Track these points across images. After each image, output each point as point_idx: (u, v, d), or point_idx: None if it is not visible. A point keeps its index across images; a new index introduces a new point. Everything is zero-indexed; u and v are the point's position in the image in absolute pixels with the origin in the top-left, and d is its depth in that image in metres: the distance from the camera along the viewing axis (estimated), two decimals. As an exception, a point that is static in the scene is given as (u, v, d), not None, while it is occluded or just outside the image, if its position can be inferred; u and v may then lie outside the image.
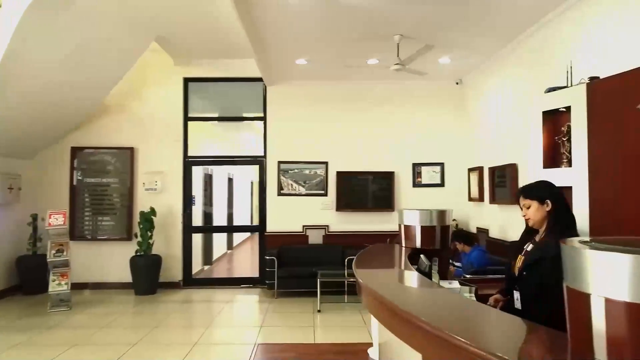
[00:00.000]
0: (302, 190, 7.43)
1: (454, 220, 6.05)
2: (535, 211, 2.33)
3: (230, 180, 11.78)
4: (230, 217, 11.63)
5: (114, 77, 6.65)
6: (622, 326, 1.15)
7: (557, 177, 3.87)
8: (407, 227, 3.81)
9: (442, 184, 7.50)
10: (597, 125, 3.49)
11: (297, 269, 6.66)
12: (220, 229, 10.79)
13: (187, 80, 7.49)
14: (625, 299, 1.11)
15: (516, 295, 2.35)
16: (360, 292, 2.57)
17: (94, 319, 5.44)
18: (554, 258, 2.07)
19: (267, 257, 6.73)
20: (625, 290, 1.12)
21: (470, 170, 7.05)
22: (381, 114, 7.49)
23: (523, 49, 5.35)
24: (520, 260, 2.42)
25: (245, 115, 7.83)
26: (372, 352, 4.01)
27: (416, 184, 7.49)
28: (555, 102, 3.94)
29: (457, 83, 7.48)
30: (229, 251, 11.78)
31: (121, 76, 6.74)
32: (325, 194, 7.43)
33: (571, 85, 3.95)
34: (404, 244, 3.82)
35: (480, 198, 6.66)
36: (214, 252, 9.91)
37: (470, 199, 7.07)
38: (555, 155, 4.02)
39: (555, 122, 4.01)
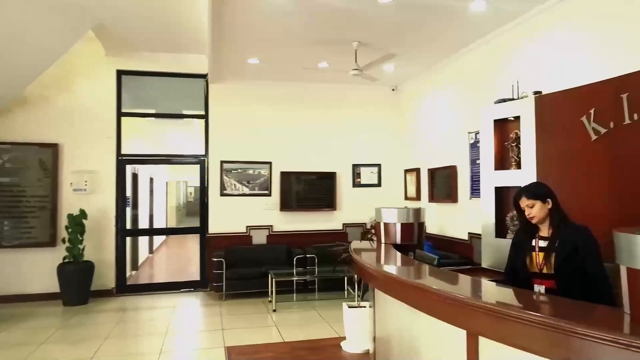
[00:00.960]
0: (246, 190, 7.36)
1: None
2: (539, 209, 2.64)
3: (151, 180, 11.15)
4: (151, 218, 11.01)
5: (38, 67, 5.98)
6: None
7: (507, 177, 4.43)
8: (386, 225, 4.03)
9: (379, 184, 7.95)
10: (545, 133, 4.05)
11: (247, 269, 6.60)
12: (158, 232, 10.17)
13: (120, 73, 6.98)
14: None
15: (538, 288, 2.58)
16: (388, 283, 2.71)
17: (28, 335, 4.86)
18: (590, 245, 2.43)
19: (215, 259, 6.56)
20: None
21: (406, 171, 7.58)
22: (324, 115, 7.72)
23: (466, 61, 5.92)
24: (541, 255, 2.61)
25: (185, 112, 7.52)
26: (346, 345, 4.21)
27: (356, 184, 7.84)
28: (505, 112, 4.47)
29: (393, 90, 7.98)
30: (150, 255, 11.13)
31: (47, 66, 6.09)
32: (269, 194, 7.44)
33: (518, 98, 4.51)
34: (384, 241, 4.04)
35: (418, 197, 7.21)
36: (139, 256, 9.33)
37: (406, 198, 7.60)
38: (504, 158, 4.55)
39: (503, 129, 4.55)
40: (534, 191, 2.69)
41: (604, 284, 2.35)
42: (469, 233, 5.84)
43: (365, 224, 7.78)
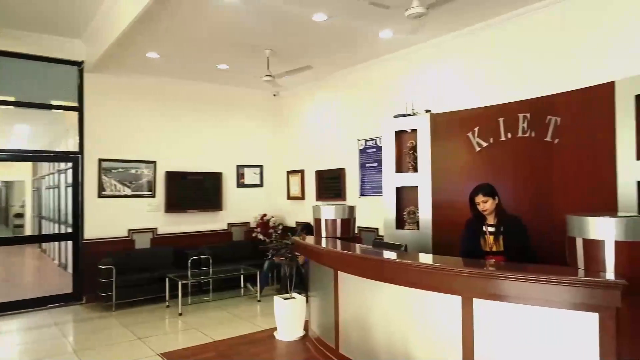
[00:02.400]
0: (128, 191, 6.83)
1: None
2: (491, 204, 3.49)
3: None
4: None
5: None
6: (621, 254, 2.38)
7: (405, 179, 5.35)
8: (327, 220, 4.48)
9: (261, 185, 8.27)
10: (438, 144, 5.08)
11: (140, 275, 6.19)
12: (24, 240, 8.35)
13: (-34, 49, 5.75)
14: (598, 238, 2.35)
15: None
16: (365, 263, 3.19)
17: None
18: (522, 229, 3.32)
19: (103, 267, 5.96)
20: (592, 231, 2.36)
21: (290, 172, 8.10)
22: (211, 116, 7.68)
23: (358, 77, 6.73)
24: (492, 237, 3.47)
25: (53, 103, 6.50)
26: (279, 334, 4.56)
27: (240, 185, 8.01)
28: (404, 125, 5.39)
29: (274, 95, 8.41)
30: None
31: None
32: (153, 195, 7.06)
33: (413, 114, 5.49)
34: (324, 235, 4.48)
35: (302, 197, 7.81)
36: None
37: (289, 198, 8.11)
38: (402, 163, 5.46)
39: (401, 139, 5.46)
40: (488, 190, 3.53)
41: (535, 253, 3.31)
42: (358, 227, 6.66)
43: (249, 223, 8.03)
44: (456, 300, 2.83)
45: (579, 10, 4.27)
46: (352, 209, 4.63)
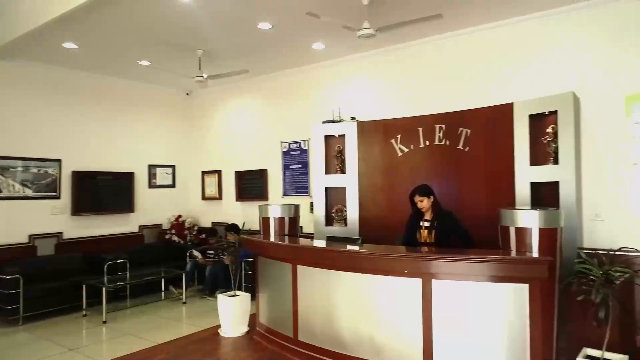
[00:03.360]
0: (29, 192, 6.16)
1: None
2: (427, 203, 4.06)
3: None
4: None
5: None
6: (543, 238, 3.14)
7: (335, 180, 5.83)
8: (275, 219, 4.72)
9: (173, 185, 8.06)
10: (365, 149, 5.67)
11: (52, 284, 5.66)
12: None
13: None
14: (523, 225, 3.11)
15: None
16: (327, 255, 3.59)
17: None
18: (453, 221, 3.96)
19: (8, 277, 5.32)
20: (523, 222, 3.11)
21: (205, 172, 8.04)
22: (123, 113, 7.28)
23: (284, 83, 7.02)
24: (426, 231, 4.03)
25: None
26: (224, 331, 4.73)
27: (152, 185, 7.71)
28: (333, 130, 5.87)
29: (187, 94, 8.26)
30: None
31: None
32: (58, 197, 6.47)
33: (339, 121, 6.00)
34: (272, 233, 4.71)
35: (219, 197, 7.83)
36: None
37: (204, 198, 8.05)
38: (330, 165, 5.93)
39: (330, 143, 5.92)
40: (424, 191, 4.11)
41: (471, 239, 3.98)
42: (281, 226, 6.97)
43: (161, 224, 7.78)
44: (417, 282, 3.37)
45: (487, 43, 5.17)
46: (297, 207, 4.94)
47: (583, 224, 4.48)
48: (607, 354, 2.93)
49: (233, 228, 6.65)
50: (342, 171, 5.82)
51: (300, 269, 4.06)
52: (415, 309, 3.37)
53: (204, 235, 7.75)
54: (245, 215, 7.40)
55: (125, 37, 5.37)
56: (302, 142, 6.76)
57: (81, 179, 6.67)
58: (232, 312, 4.80)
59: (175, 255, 7.26)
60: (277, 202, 6.99)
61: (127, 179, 7.27)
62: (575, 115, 4.33)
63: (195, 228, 7.82)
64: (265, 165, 7.19)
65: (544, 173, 4.41)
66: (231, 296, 4.86)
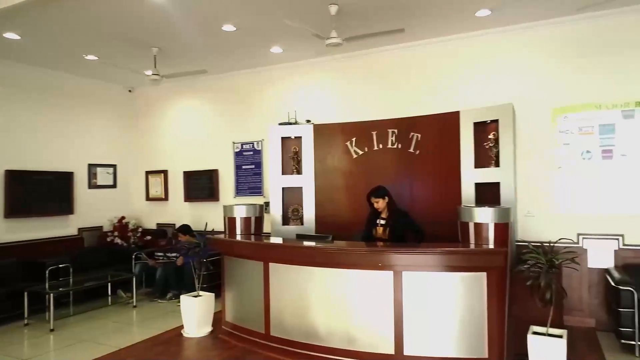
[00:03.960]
0: (-44, 193, 5.63)
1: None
2: (382, 203, 4.41)
3: None
4: None
5: None
6: (497, 232, 3.59)
7: (291, 180, 6.02)
8: (242, 219, 4.80)
9: (114, 185, 7.72)
10: (321, 150, 5.92)
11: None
12: None
13: None
14: (480, 221, 3.57)
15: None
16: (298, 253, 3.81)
17: None
18: (407, 219, 4.32)
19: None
20: (480, 218, 3.57)
21: (150, 172, 7.80)
22: (61, 110, 6.86)
23: (233, 83, 7.04)
24: (381, 229, 4.38)
25: None
26: (187, 332, 4.77)
27: (92, 185, 7.34)
28: (290, 132, 6.05)
29: (129, 91, 7.96)
30: None
31: None
32: (-10, 198, 5.97)
33: (295, 123, 6.19)
34: (238, 232, 4.79)
35: (165, 197, 7.65)
36: None
37: (149, 199, 7.81)
38: (287, 166, 6.10)
39: (285, 145, 6.10)
40: (379, 193, 4.45)
41: (424, 234, 4.37)
42: (234, 225, 6.98)
43: (102, 226, 7.43)
44: (389, 275, 3.67)
45: (438, 55, 5.65)
46: (262, 207, 5.06)
47: (517, 220, 5.09)
48: (551, 330, 3.43)
49: (185, 229, 6.58)
50: (298, 172, 6.03)
51: (273, 266, 4.20)
52: (387, 299, 3.68)
53: (149, 237, 7.52)
54: (194, 215, 7.32)
55: (74, 29, 5.11)
56: (255, 143, 6.85)
57: (15, 178, 6.19)
58: (196, 313, 4.80)
59: (119, 259, 6.97)
60: (228, 203, 7.02)
61: (65, 178, 6.86)
62: (513, 123, 4.92)
63: (140, 230, 7.57)
64: (216, 165, 7.17)
65: (487, 175, 4.95)
66: (195, 296, 4.87)
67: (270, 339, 4.20)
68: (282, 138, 6.07)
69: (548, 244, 3.55)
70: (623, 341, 4.07)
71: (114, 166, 7.71)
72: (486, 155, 5.03)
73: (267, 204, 6.21)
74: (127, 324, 5.40)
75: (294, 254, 4.13)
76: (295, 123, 6.19)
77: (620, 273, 4.38)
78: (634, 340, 4.01)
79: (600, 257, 4.82)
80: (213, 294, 4.98)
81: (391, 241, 4.36)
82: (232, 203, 6.88)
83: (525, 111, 5.09)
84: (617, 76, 4.78)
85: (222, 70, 6.87)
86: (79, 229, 7.10)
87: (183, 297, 4.87)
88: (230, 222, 4.87)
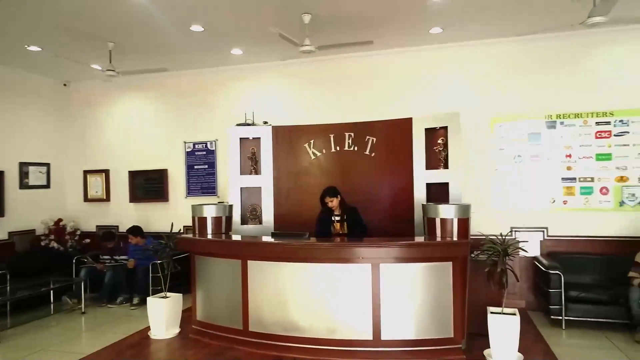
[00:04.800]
0: None
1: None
2: (336, 201, 4.82)
3: None
4: None
5: None
6: (460, 226, 4.09)
7: (250, 180, 6.14)
8: (213, 219, 4.83)
9: (48, 185, 7.19)
10: (280, 151, 6.11)
11: None
12: None
13: None
14: (445, 217, 4.08)
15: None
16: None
17: None
18: (357, 215, 4.73)
19: None
20: (445, 214, 4.08)
21: (88, 172, 7.38)
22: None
23: (188, 81, 6.95)
24: (338, 224, 4.77)
25: None
26: (155, 334, 4.76)
27: (23, 185, 6.77)
28: (249, 133, 6.15)
29: (64, 85, 7.46)
30: None
31: None
32: None
33: (252, 124, 6.30)
34: (209, 232, 4.82)
35: (107, 198, 7.30)
36: None
37: (87, 200, 7.38)
38: (245, 167, 6.18)
39: (243, 145, 6.19)
40: (333, 192, 4.86)
41: (367, 229, 4.83)
42: (184, 226, 6.86)
43: (34, 230, 6.90)
44: (367, 267, 4.00)
45: (395, 65, 6.13)
46: (231, 207, 5.12)
47: (462, 216, 5.71)
48: (505, 310, 3.99)
49: (136, 230, 6.37)
50: (256, 172, 6.15)
51: (252, 263, 4.33)
52: (366, 289, 4.00)
53: (87, 241, 7.13)
54: (140, 216, 7.09)
55: (21, 17, 4.77)
56: (209, 143, 6.83)
57: (-62, 178, 5.59)
58: (165, 314, 4.75)
59: (57, 264, 6.54)
60: (179, 203, 6.97)
61: (-5, 178, 6.30)
62: (460, 130, 5.53)
63: (78, 232, 7.14)
64: (165, 165, 7.02)
65: (437, 175, 5.49)
66: (162, 297, 4.81)
67: (249, 335, 4.32)
68: (241, 139, 6.15)
69: (501, 236, 4.11)
70: (552, 317, 4.81)
71: (47, 165, 7.18)
72: (436, 158, 5.57)
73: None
74: (83, 330, 5.16)
75: (277, 251, 4.30)
76: (253, 124, 6.30)
77: (548, 260, 5.15)
78: (561, 316, 4.76)
79: (529, 247, 5.60)
80: (181, 294, 4.95)
81: (349, 235, 4.77)
82: (183, 203, 6.87)
83: (469, 119, 5.73)
84: (542, 92, 5.59)
85: (174, 68, 6.75)
86: (9, 233, 6.53)
87: (150, 299, 4.79)
88: (201, 221, 4.89)
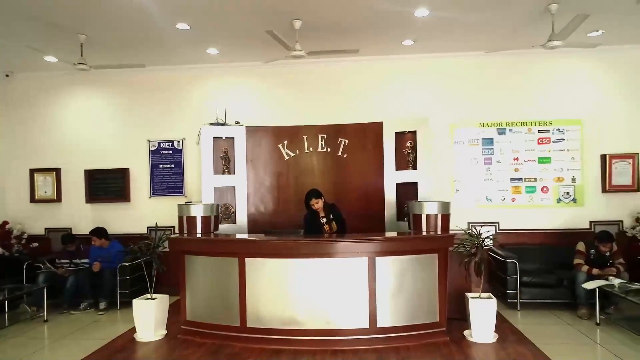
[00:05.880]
0: None
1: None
2: (321, 203, 5.06)
3: None
4: None
5: None
6: (442, 222, 4.55)
7: (223, 180, 6.17)
8: (202, 218, 4.82)
9: (-11, 185, 6.59)
10: (253, 151, 6.24)
11: None
12: None
13: None
14: (430, 213, 4.54)
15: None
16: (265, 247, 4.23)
17: None
18: (338, 211, 5.08)
19: None
20: (430, 211, 4.54)
21: (35, 170, 6.84)
22: None
23: (152, 79, 6.76)
24: (327, 225, 5.04)
25: None
26: (141, 336, 4.72)
27: (-38, 185, 6.15)
28: (222, 133, 6.18)
29: (7, 75, 6.86)
30: None
31: None
32: None
33: (223, 124, 6.30)
34: (199, 231, 4.80)
35: (58, 199, 6.83)
36: None
37: (34, 200, 6.85)
38: (218, 166, 6.18)
39: (217, 145, 6.18)
40: (318, 194, 5.12)
41: (345, 223, 5.16)
42: (147, 227, 6.66)
43: (-26, 234, 6.30)
44: (364, 260, 4.30)
45: (367, 71, 6.52)
46: (218, 206, 5.13)
47: (426, 213, 6.24)
48: (483, 294, 4.51)
49: (100, 232, 6.08)
50: (229, 172, 6.18)
51: (249, 261, 4.42)
52: (363, 281, 4.30)
53: (36, 244, 6.63)
54: (98, 217, 6.75)
55: None
56: (175, 142, 6.70)
57: None
58: (153, 316, 4.65)
59: (4, 270, 6.03)
60: (142, 203, 6.77)
61: None
62: (427, 134, 6.05)
63: (25, 236, 6.61)
64: (127, 164, 6.76)
65: (406, 176, 5.95)
66: (148, 299, 4.71)
67: (246, 331, 4.40)
68: (214, 138, 6.14)
69: (476, 230, 4.64)
70: (510, 300, 5.48)
71: (-12, 163, 6.58)
72: (405, 160, 6.03)
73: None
74: (54, 339, 4.85)
75: (278, 248, 4.43)
76: (225, 124, 6.31)
77: (504, 250, 5.83)
78: (517, 299, 5.45)
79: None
80: (167, 295, 4.88)
81: (339, 232, 5.04)
82: (147, 203, 6.70)
83: (432, 124, 6.26)
84: (495, 102, 6.31)
85: (139, 64, 6.52)
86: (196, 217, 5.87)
87: (136, 301, 4.66)
88: (190, 221, 4.85)
